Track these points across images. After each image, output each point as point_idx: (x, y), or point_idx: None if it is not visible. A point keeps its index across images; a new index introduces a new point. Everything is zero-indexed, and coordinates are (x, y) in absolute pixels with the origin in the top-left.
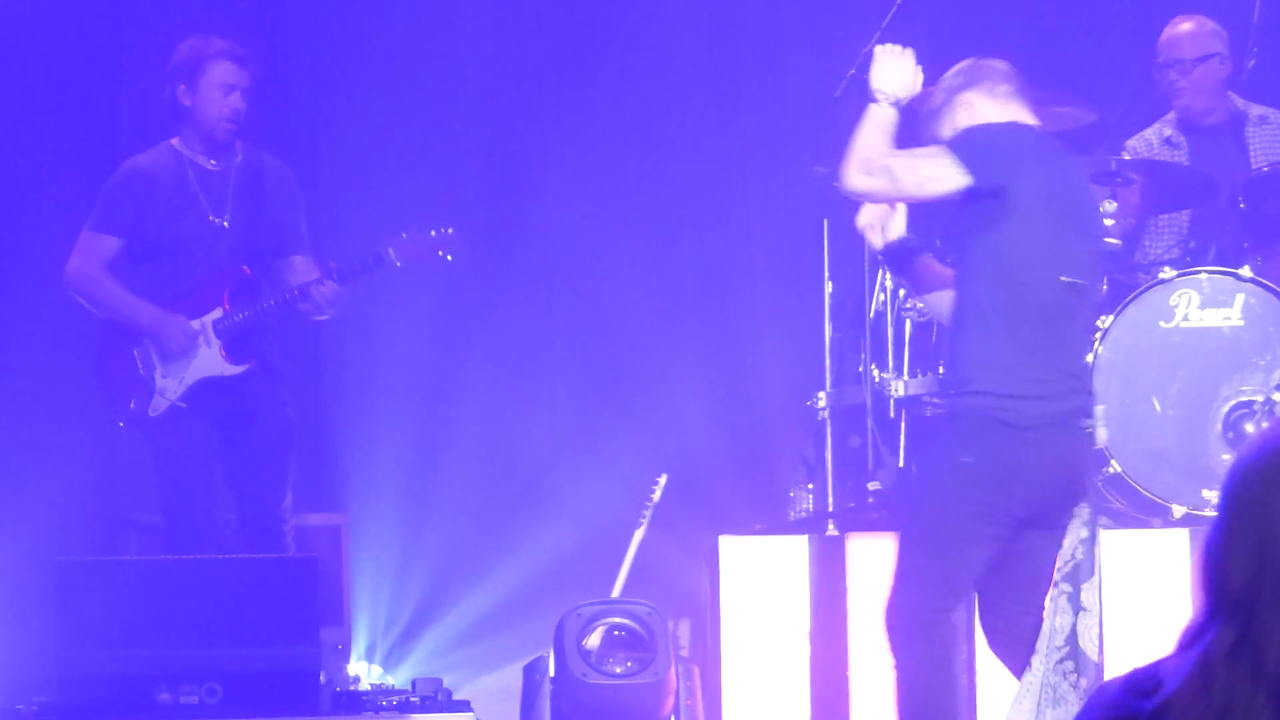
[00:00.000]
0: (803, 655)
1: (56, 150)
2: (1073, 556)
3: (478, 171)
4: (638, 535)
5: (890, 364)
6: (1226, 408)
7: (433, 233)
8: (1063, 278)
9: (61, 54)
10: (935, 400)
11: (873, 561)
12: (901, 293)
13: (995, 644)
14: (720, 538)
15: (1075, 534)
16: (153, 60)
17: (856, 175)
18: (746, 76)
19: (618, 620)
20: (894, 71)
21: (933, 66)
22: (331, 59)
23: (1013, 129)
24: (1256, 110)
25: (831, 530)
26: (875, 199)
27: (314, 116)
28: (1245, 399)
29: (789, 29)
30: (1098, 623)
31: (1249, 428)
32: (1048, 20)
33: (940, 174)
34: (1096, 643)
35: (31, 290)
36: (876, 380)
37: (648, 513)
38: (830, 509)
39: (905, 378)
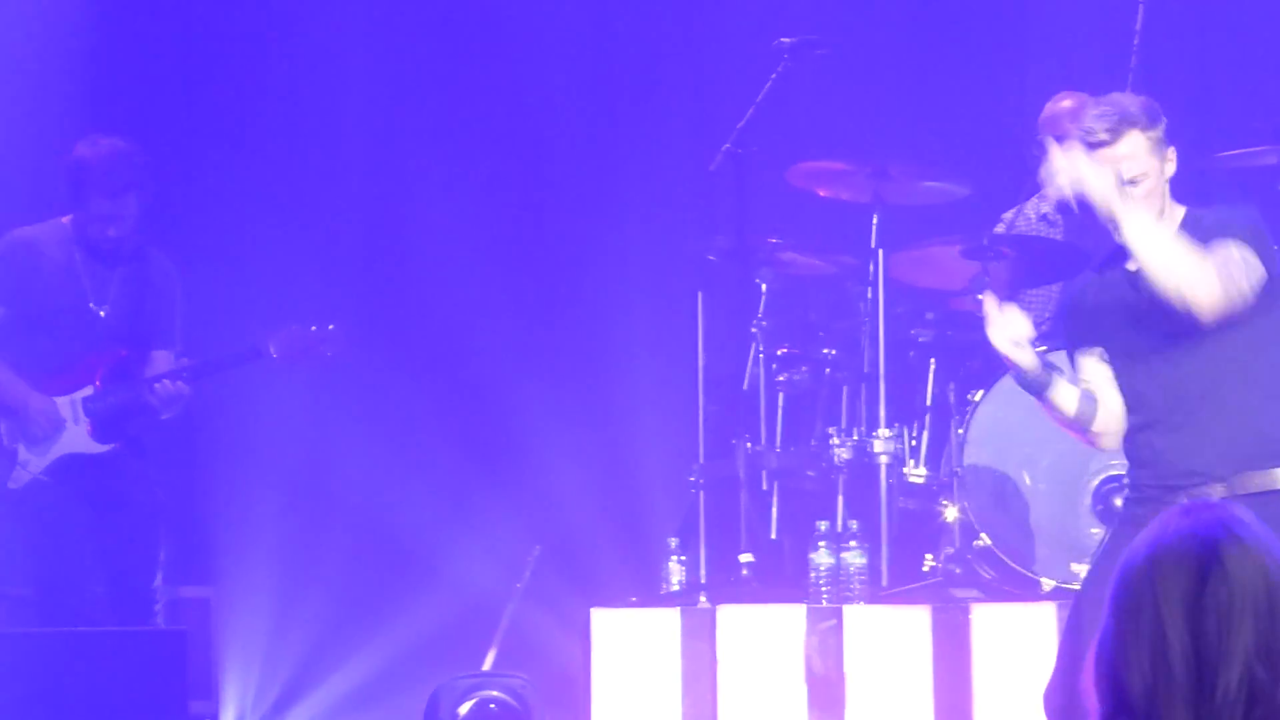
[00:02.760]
0: None
1: None
2: None
3: (356, 243)
4: (511, 607)
5: (764, 436)
6: (1096, 482)
7: (313, 328)
8: None
9: None
10: (810, 473)
11: (743, 632)
12: (774, 365)
13: None
14: (593, 610)
15: None
16: None
17: (1218, 297)
18: (624, 151)
19: (491, 693)
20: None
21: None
22: (208, 151)
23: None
24: None
25: (703, 602)
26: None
27: (191, 207)
28: (1115, 473)
29: (666, 104)
30: None
31: (1118, 502)
32: (924, 92)
33: (1255, 265)
34: None
35: None
36: (750, 452)
37: (521, 585)
38: (703, 581)
39: (778, 449)
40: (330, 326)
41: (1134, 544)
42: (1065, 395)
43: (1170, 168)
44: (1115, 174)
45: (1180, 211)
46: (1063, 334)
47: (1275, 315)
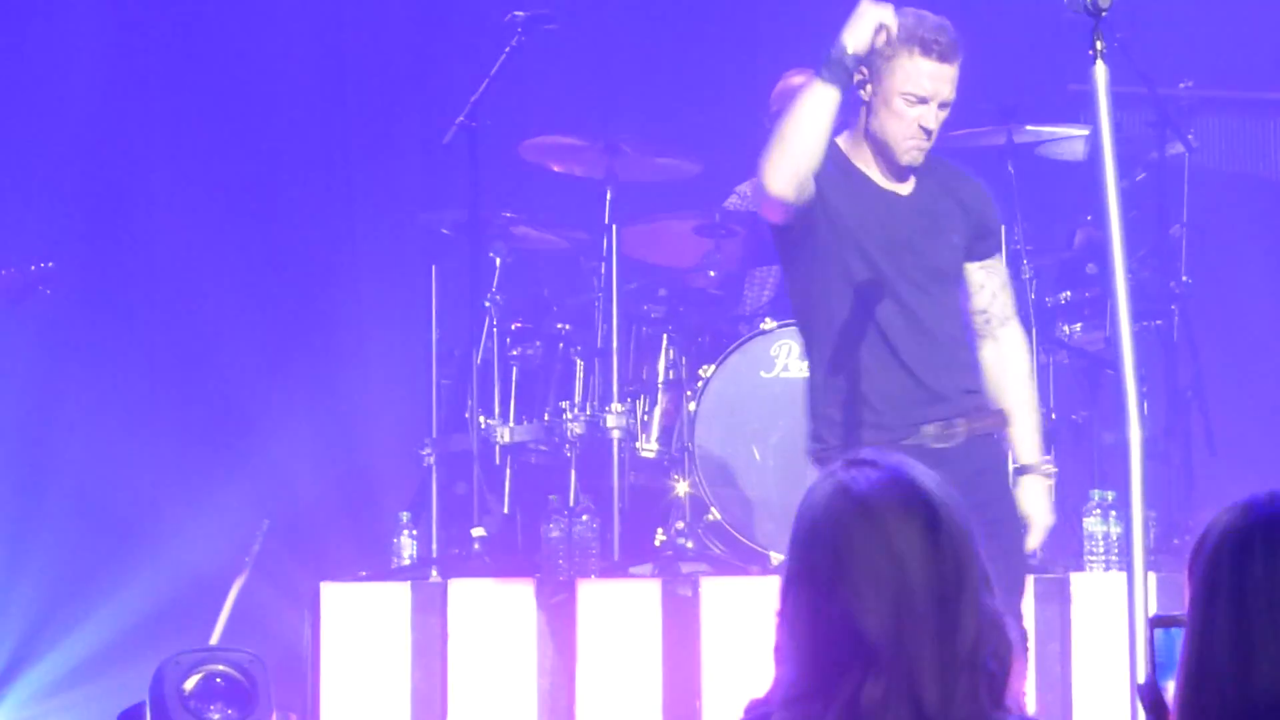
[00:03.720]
0: (404, 701)
1: None
2: None
3: (81, 210)
4: (239, 581)
5: (497, 411)
6: None
7: (32, 267)
8: None
9: None
10: (543, 447)
11: (474, 606)
12: (508, 339)
13: None
14: (322, 584)
15: None
16: None
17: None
18: (356, 123)
19: (217, 668)
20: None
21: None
22: None
23: None
24: None
25: (434, 576)
26: None
27: None
28: None
29: (399, 76)
30: None
31: None
32: (658, 68)
33: None
34: None
35: None
36: (483, 427)
37: (249, 559)
38: (434, 555)
39: (511, 424)
40: (48, 264)
41: (837, 497)
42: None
43: None
44: (935, 94)
45: None
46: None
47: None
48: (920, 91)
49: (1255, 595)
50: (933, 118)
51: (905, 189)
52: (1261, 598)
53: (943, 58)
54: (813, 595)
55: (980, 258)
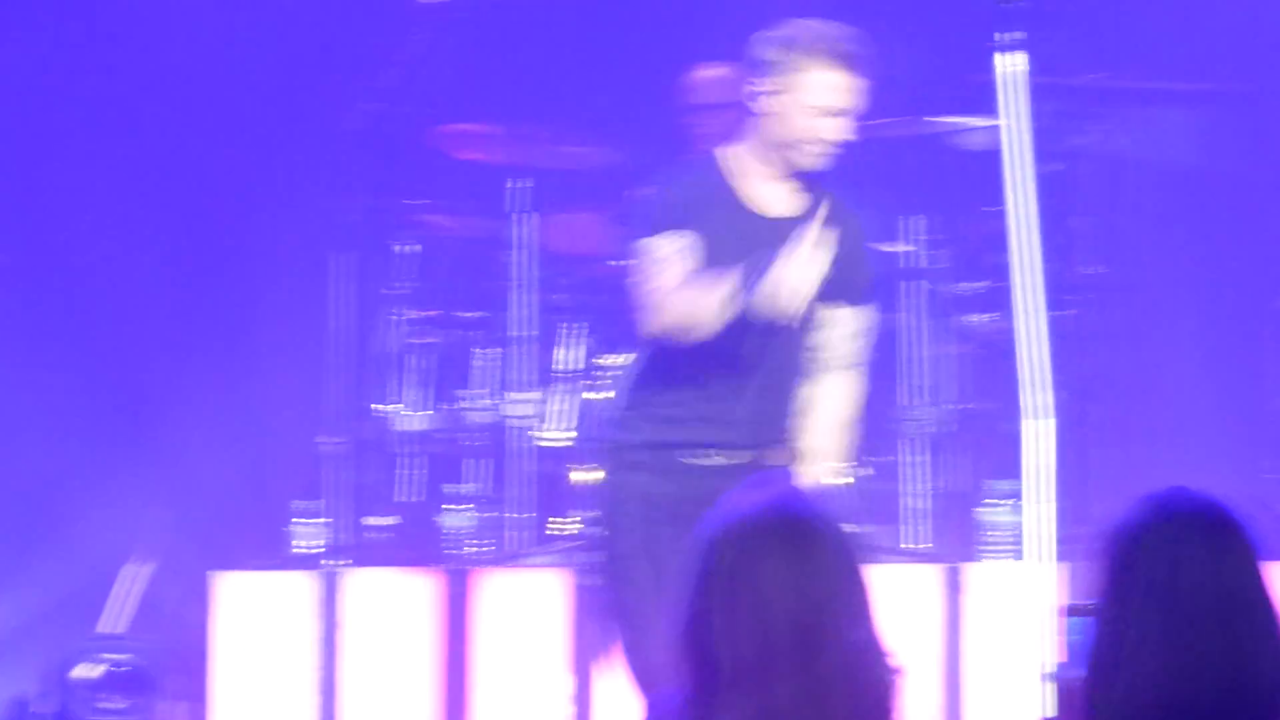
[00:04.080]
0: (300, 692)
1: None
2: None
3: None
4: (135, 570)
5: (399, 399)
6: None
7: None
8: None
9: None
10: (445, 436)
11: (371, 596)
12: (413, 327)
13: None
14: (218, 573)
15: None
16: None
17: None
18: (259, 109)
19: (113, 657)
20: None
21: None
22: None
23: None
24: None
25: (332, 566)
26: None
27: None
28: None
29: (303, 61)
30: None
31: None
32: (571, 55)
33: None
34: None
35: None
36: (384, 416)
37: (145, 548)
38: (332, 544)
39: (413, 413)
40: None
41: (712, 517)
42: None
43: None
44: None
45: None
46: None
47: None
48: (825, 103)
49: (1164, 587)
50: (837, 129)
51: (784, 210)
52: (1169, 589)
53: (849, 69)
54: (689, 612)
55: (829, 300)
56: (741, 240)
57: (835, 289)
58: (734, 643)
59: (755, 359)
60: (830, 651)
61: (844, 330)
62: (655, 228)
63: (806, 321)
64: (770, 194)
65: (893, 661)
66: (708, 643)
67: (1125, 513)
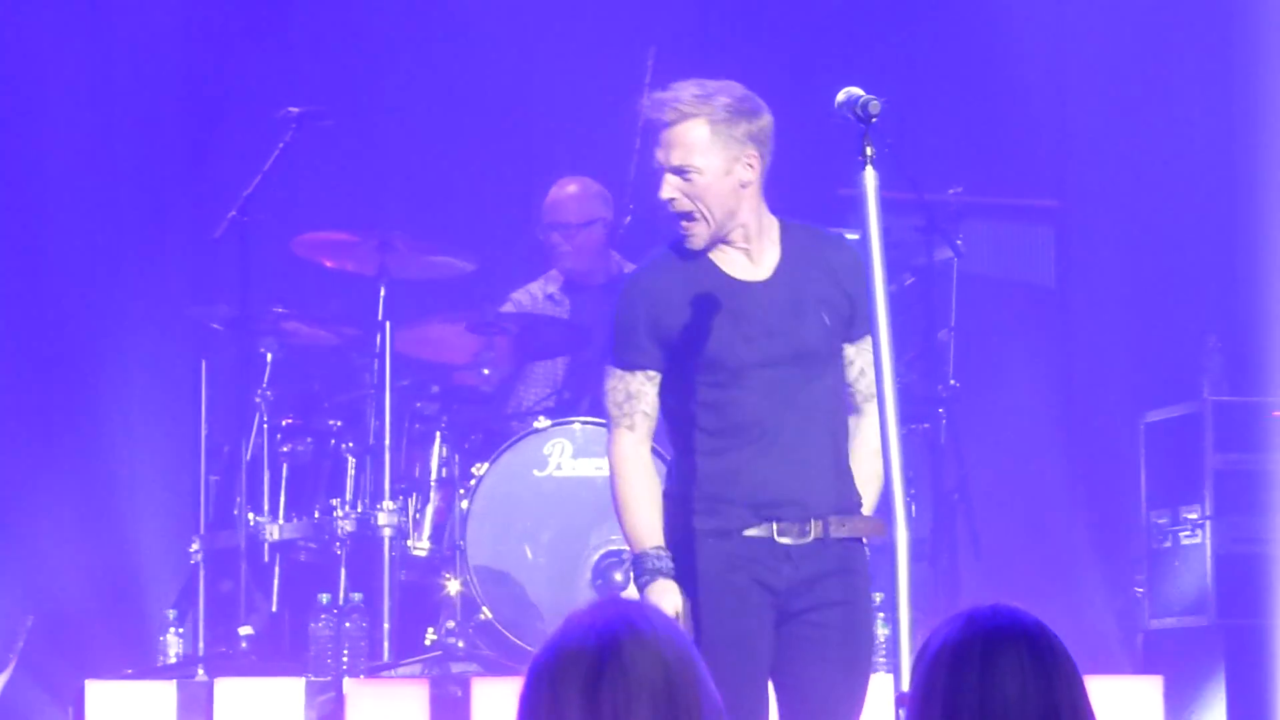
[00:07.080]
0: None
1: None
2: None
3: None
4: (2, 678)
5: (266, 508)
6: (596, 556)
7: None
8: None
9: None
10: (312, 545)
11: (241, 706)
12: (279, 435)
13: None
14: (87, 682)
15: None
16: None
17: None
18: (126, 215)
19: None
20: None
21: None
22: None
23: None
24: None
25: (201, 675)
26: None
27: None
28: (615, 548)
29: (171, 168)
30: None
31: (618, 576)
32: (431, 166)
33: None
34: None
35: None
36: (252, 524)
37: (13, 655)
38: (201, 653)
39: (281, 521)
40: None
41: (544, 641)
42: None
43: (745, 173)
44: (663, 161)
45: (774, 225)
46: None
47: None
48: (657, 162)
49: (968, 706)
50: (670, 187)
51: (762, 273)
52: (974, 708)
53: (665, 123)
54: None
55: (855, 339)
56: (712, 303)
57: (856, 324)
58: None
59: (774, 418)
60: None
61: (867, 358)
62: (618, 354)
63: (826, 368)
64: (733, 259)
65: None
66: None
67: (938, 628)
